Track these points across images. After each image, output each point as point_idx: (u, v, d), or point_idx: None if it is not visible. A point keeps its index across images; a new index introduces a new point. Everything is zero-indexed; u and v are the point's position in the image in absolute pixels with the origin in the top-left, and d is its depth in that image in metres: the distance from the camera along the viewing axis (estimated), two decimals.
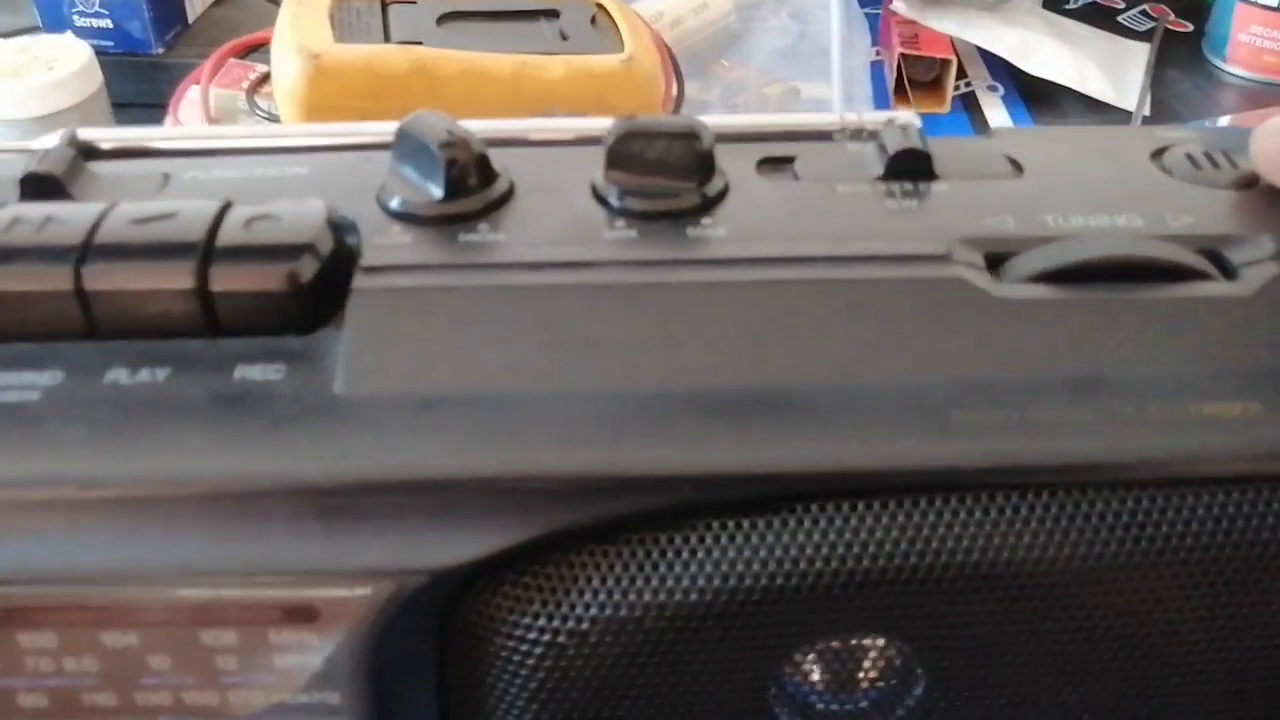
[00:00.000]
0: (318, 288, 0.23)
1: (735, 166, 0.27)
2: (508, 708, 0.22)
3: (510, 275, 0.24)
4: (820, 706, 0.26)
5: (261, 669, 0.22)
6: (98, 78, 0.63)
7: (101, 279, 0.23)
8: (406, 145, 0.25)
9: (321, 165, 0.28)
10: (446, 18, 0.61)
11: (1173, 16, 0.80)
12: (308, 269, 0.23)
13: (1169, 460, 0.21)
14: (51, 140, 0.28)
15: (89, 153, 0.28)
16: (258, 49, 0.68)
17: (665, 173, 0.25)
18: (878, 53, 0.75)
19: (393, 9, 0.61)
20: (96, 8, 0.68)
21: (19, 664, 0.22)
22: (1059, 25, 0.77)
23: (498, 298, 0.23)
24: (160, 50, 0.70)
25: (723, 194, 0.26)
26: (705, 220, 0.25)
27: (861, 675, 0.26)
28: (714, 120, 0.28)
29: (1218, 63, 0.75)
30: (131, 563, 0.21)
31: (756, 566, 0.21)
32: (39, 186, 0.26)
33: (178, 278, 0.23)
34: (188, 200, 0.24)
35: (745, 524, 0.21)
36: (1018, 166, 0.27)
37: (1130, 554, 0.21)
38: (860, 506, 0.21)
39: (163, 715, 0.22)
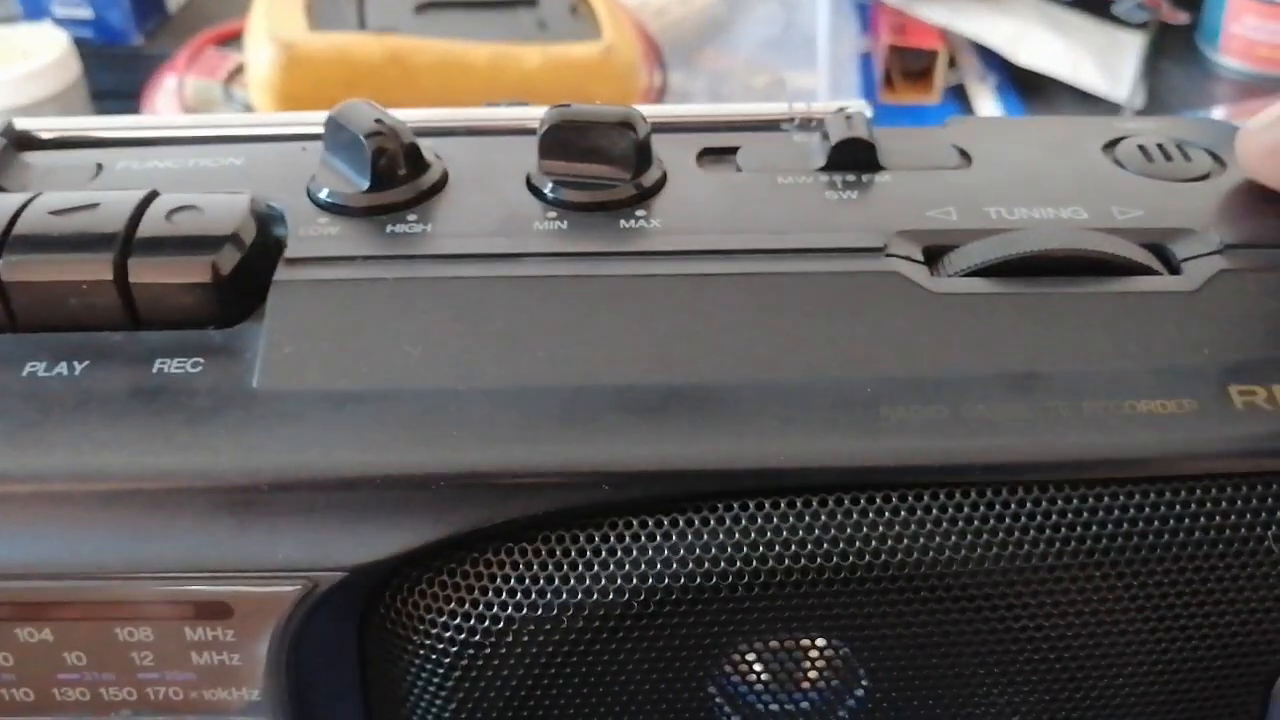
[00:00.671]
0: (240, 280, 0.23)
1: (676, 157, 0.26)
2: (427, 706, 0.22)
3: (435, 267, 0.23)
4: (761, 707, 0.25)
5: (178, 666, 0.21)
6: (75, 68, 0.62)
7: (19, 270, 0.22)
8: (337, 136, 0.25)
9: (257, 156, 0.27)
10: (425, 7, 0.60)
11: (1167, 7, 0.79)
12: (228, 260, 0.22)
13: (1102, 459, 0.21)
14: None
15: (25, 142, 0.28)
16: (237, 39, 0.67)
17: (599, 162, 0.24)
18: (867, 43, 0.74)
19: None
20: (79, 2, 0.68)
21: None
22: (1052, 15, 0.76)
23: (421, 291, 0.23)
24: (141, 40, 0.70)
25: (659, 185, 0.25)
26: (639, 212, 0.24)
27: (802, 676, 0.25)
28: (658, 110, 0.27)
29: (1211, 54, 0.74)
30: (45, 558, 0.21)
31: (677, 566, 0.21)
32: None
33: (96, 269, 0.22)
34: (114, 191, 0.24)
35: (666, 523, 0.21)
36: (966, 157, 0.26)
37: (1060, 554, 0.21)
38: (784, 505, 0.21)
39: (81, 712, 0.22)
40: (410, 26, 0.59)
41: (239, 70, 0.64)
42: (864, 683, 0.25)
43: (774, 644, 0.24)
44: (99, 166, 0.27)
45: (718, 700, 0.25)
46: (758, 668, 0.25)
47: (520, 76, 0.57)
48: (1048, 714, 0.23)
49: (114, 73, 0.67)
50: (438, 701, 0.22)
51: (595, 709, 0.23)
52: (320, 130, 0.27)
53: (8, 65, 0.61)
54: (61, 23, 0.67)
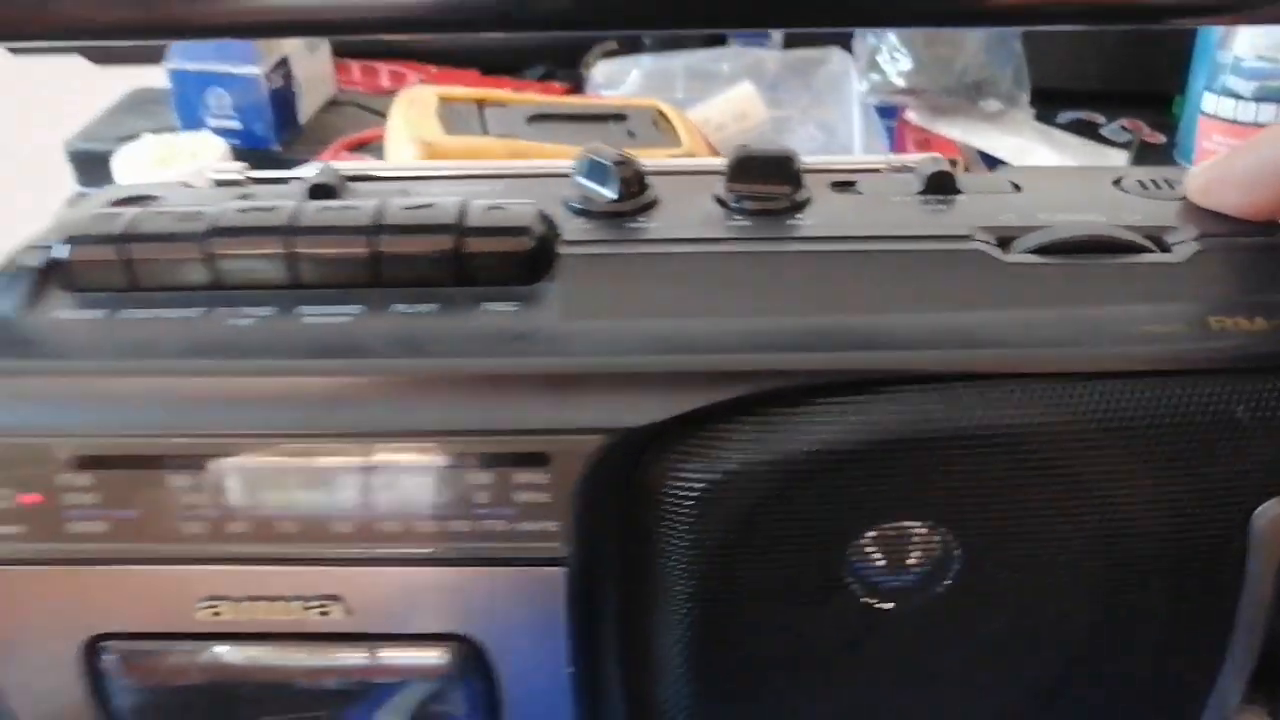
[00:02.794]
0: (535, 254, 0.34)
1: (814, 185, 0.37)
2: (671, 542, 0.32)
3: (664, 247, 0.34)
4: (879, 581, 0.35)
5: (506, 503, 0.31)
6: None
7: (390, 245, 0.33)
8: (587, 164, 0.36)
9: (510, 186, 0.38)
10: (535, 119, 0.73)
11: (1147, 130, 0.93)
12: (531, 239, 0.33)
13: (1124, 359, 0.31)
14: (309, 170, 0.39)
15: (344, 177, 0.39)
16: (363, 145, 0.80)
17: (768, 183, 0.36)
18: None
19: (489, 110, 0.73)
20: (228, 111, 0.80)
21: (335, 497, 0.32)
22: (1049, 135, 0.89)
23: (658, 260, 0.34)
24: (279, 147, 0.82)
25: (808, 200, 0.36)
26: (797, 216, 0.35)
27: (910, 555, 0.35)
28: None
29: (1187, 168, 0.87)
30: (437, 422, 0.31)
31: (843, 431, 0.31)
32: (322, 193, 0.37)
33: (442, 244, 0.33)
34: (440, 196, 0.35)
35: (835, 403, 0.31)
36: (1017, 188, 0.38)
37: (1099, 423, 0.31)
38: (911, 391, 0.31)
39: (434, 538, 0.32)
40: (524, 134, 0.71)
41: None
42: (958, 563, 0.34)
43: (889, 531, 0.34)
44: (405, 191, 0.38)
45: (847, 578, 0.34)
46: (878, 552, 0.35)
47: None
48: (1089, 559, 0.33)
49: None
50: (676, 536, 0.32)
51: (781, 557, 0.33)
52: (542, 172, 0.38)
53: (181, 164, 0.73)
54: (215, 132, 0.79)
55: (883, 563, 0.35)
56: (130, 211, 0.34)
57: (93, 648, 0.34)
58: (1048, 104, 0.90)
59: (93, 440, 0.31)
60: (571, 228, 0.35)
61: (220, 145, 0.75)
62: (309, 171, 0.39)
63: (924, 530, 0.34)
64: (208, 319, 0.32)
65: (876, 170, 0.40)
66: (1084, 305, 0.32)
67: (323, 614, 0.33)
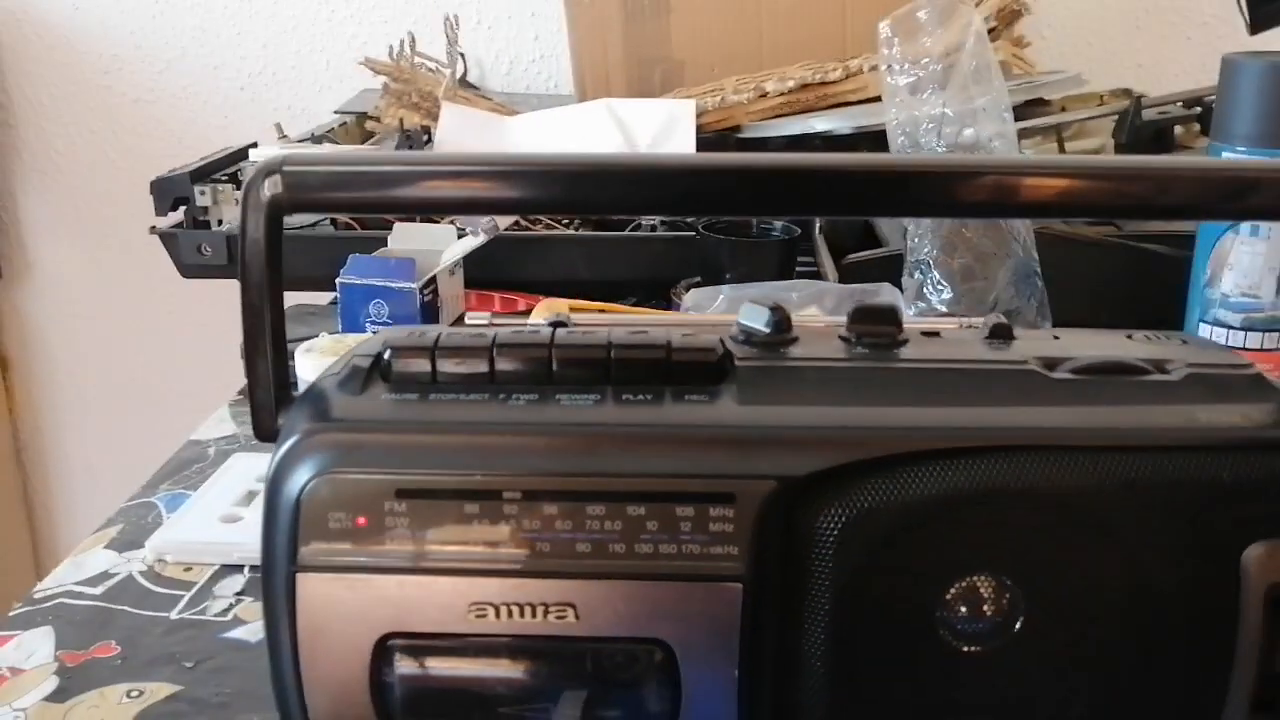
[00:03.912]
0: (719, 364, 0.48)
1: (910, 332, 0.52)
2: (817, 568, 0.44)
3: (808, 363, 0.48)
4: (961, 628, 0.47)
5: (703, 531, 0.44)
6: None
7: (619, 354, 0.47)
8: (751, 310, 0.51)
9: (684, 327, 0.53)
10: None
11: None
12: (716, 354, 0.48)
13: (1144, 438, 0.45)
14: (539, 317, 0.54)
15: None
16: None
17: (879, 323, 0.50)
18: None
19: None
20: (385, 319, 0.96)
21: (580, 524, 0.44)
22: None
23: (805, 371, 0.48)
24: None
25: (907, 340, 0.51)
26: (901, 349, 0.50)
27: (984, 607, 0.47)
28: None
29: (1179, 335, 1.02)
30: (656, 468, 0.44)
31: (946, 486, 0.44)
32: (558, 325, 0.51)
33: (657, 355, 0.47)
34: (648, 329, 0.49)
35: (941, 465, 0.44)
36: (1057, 338, 0.52)
37: (1133, 484, 0.44)
38: (990, 457, 0.44)
39: (646, 564, 0.44)
40: None
41: None
42: (1023, 614, 0.46)
43: (969, 584, 0.46)
44: (609, 329, 0.52)
45: (939, 629, 0.46)
46: (960, 605, 0.47)
47: None
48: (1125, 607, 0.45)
49: None
50: (819, 570, 0.44)
51: (899, 596, 0.45)
52: (701, 321, 0.53)
53: None
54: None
55: (964, 610, 0.47)
56: (433, 330, 0.49)
57: (382, 644, 0.46)
58: None
59: (410, 477, 0.45)
60: (738, 352, 0.49)
61: None
62: (538, 319, 0.54)
63: (997, 582, 0.47)
64: (492, 401, 0.46)
65: (953, 326, 0.54)
66: (1112, 404, 0.46)
67: (559, 618, 0.45)
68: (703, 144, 1.30)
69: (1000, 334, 0.52)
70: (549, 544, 0.45)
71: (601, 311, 0.88)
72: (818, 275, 1.14)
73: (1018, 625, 0.47)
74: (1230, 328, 0.94)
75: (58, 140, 1.93)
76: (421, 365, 0.48)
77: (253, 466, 0.85)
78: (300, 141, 1.37)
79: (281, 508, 0.45)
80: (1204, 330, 0.95)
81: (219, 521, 0.78)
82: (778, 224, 1.11)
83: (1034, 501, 0.44)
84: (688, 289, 1.08)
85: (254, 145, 1.25)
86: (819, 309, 1.01)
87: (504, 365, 0.47)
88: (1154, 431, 0.45)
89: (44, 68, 1.89)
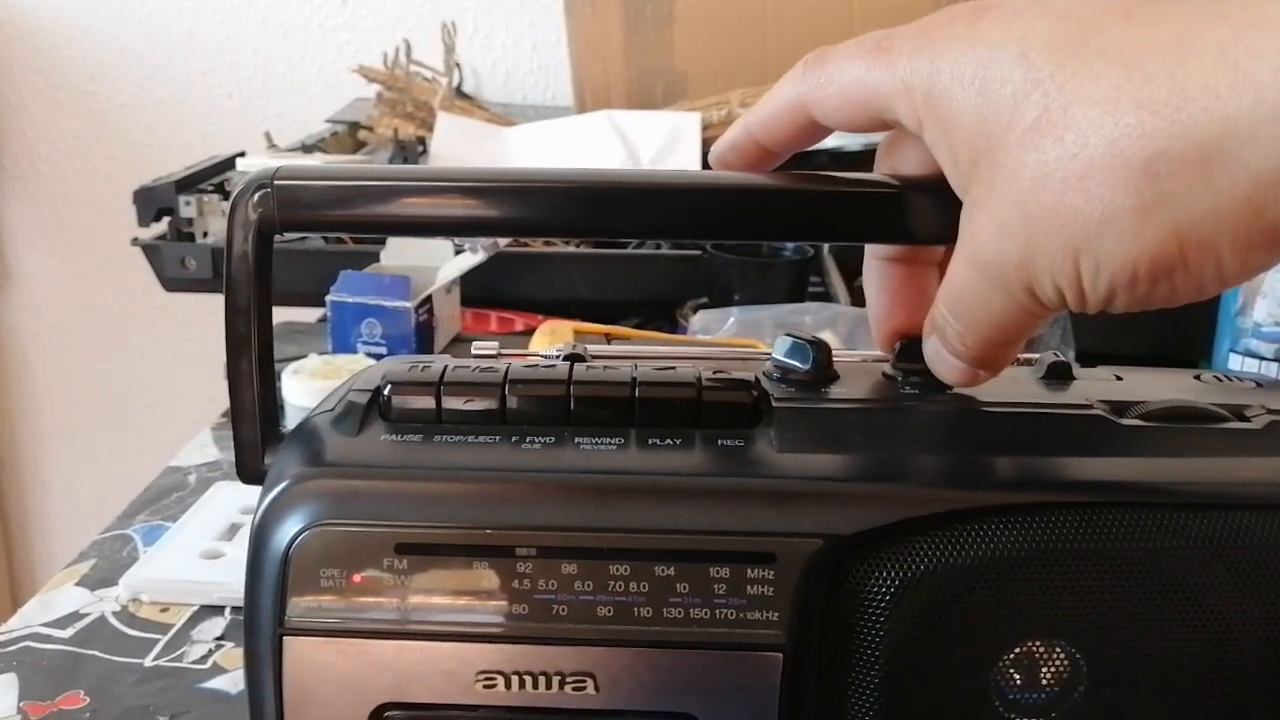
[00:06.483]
0: (755, 405, 0.43)
1: None
2: (867, 633, 0.40)
3: (849, 404, 0.44)
4: (1016, 698, 0.43)
5: (739, 594, 0.40)
6: None
7: (645, 393, 0.43)
8: (789, 344, 0.46)
9: (712, 362, 0.48)
10: None
11: None
12: (752, 394, 0.43)
13: (1226, 495, 0.40)
14: (553, 350, 0.49)
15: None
16: None
17: (923, 363, 0.46)
18: None
19: (616, 344, 0.84)
20: (377, 339, 0.92)
21: (602, 584, 0.40)
22: None
23: (848, 414, 0.43)
24: None
25: None
26: (951, 389, 0.45)
27: (1043, 676, 0.43)
28: None
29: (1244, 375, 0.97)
30: (686, 524, 0.39)
31: (1007, 546, 0.40)
32: (575, 359, 0.47)
33: (687, 394, 0.43)
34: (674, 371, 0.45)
35: (1001, 523, 0.40)
36: (1119, 378, 0.48)
37: (1207, 543, 0.39)
38: (1059, 513, 0.40)
39: (678, 626, 0.40)
40: None
41: None
42: (1086, 681, 0.42)
43: (1026, 650, 0.42)
44: (635, 364, 0.48)
45: (994, 699, 0.42)
46: (1015, 673, 0.42)
47: None
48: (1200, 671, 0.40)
49: None
50: (870, 631, 0.40)
51: (951, 657, 0.40)
52: (737, 354, 0.48)
53: (337, 379, 0.84)
54: (367, 355, 0.90)
55: (1021, 679, 0.42)
56: (438, 362, 0.44)
57: (378, 715, 0.41)
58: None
59: (411, 530, 0.40)
60: (775, 392, 0.45)
61: (370, 364, 0.86)
62: (551, 351, 0.49)
63: (1059, 649, 0.42)
64: (504, 444, 0.42)
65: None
66: (1192, 454, 0.42)
67: (577, 689, 0.41)
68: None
69: (1058, 373, 0.47)
70: (566, 606, 0.40)
71: (608, 335, 0.84)
72: (827, 296, 1.09)
73: (1077, 694, 0.42)
74: (1262, 359, 0.90)
75: (40, 146, 1.88)
76: (425, 402, 0.43)
77: (236, 496, 0.80)
78: (290, 151, 1.32)
79: (268, 562, 0.40)
80: (1234, 361, 0.91)
81: (199, 558, 0.73)
82: (789, 243, 1.06)
83: (1107, 563, 0.40)
84: (694, 310, 1.03)
85: (242, 154, 1.20)
86: (832, 333, 0.97)
87: (517, 403, 0.43)
88: (1241, 486, 0.40)
89: (27, 71, 1.84)
